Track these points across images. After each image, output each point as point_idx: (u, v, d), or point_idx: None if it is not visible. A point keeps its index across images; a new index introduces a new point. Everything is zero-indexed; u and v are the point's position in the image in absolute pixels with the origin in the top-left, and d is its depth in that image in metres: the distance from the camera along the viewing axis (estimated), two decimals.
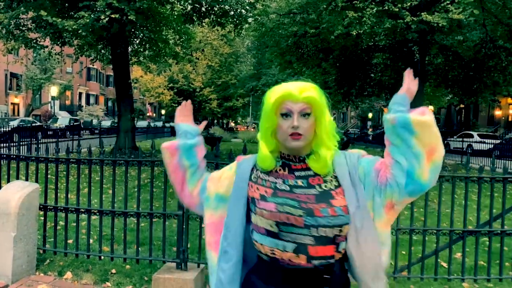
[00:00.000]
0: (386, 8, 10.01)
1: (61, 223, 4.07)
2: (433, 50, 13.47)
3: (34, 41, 12.23)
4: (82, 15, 9.02)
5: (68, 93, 42.54)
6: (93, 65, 36.86)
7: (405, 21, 9.84)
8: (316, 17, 11.75)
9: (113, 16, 8.99)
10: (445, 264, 3.79)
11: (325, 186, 1.24)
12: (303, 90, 1.22)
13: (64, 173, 4.19)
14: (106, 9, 9.03)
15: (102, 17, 9.02)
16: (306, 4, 12.23)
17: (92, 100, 49.38)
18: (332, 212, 1.18)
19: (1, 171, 4.03)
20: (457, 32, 12.43)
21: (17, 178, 3.98)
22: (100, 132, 22.20)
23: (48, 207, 3.82)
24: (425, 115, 1.15)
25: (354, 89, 17.30)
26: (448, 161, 17.22)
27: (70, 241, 3.90)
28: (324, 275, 1.20)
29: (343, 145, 13.62)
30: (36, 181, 3.84)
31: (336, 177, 1.25)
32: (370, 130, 45.48)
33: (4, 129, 17.67)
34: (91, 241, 3.82)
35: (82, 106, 46.18)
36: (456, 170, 12.85)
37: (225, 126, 50.24)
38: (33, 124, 23.71)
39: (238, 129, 47.20)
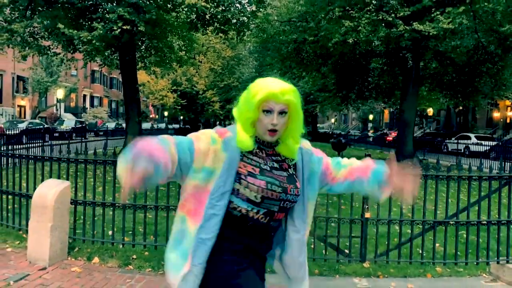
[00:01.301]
0: (381, 17, 10.58)
1: (88, 215, 4.66)
2: (427, 56, 14.00)
3: (47, 48, 12.89)
4: (96, 26, 9.66)
5: (73, 95, 43.20)
6: (97, 68, 37.57)
7: (398, 30, 10.42)
8: (315, 25, 12.34)
9: (124, 27, 9.65)
10: (420, 251, 4.37)
11: (290, 171, 1.59)
12: (284, 93, 1.45)
13: (86, 171, 4.79)
14: (117, 21, 9.67)
15: (115, 28, 9.67)
16: (305, 13, 12.81)
17: (96, 102, 50.04)
18: (296, 192, 1.56)
19: (35, 169, 4.63)
20: (451, 39, 12.98)
21: (50, 176, 4.58)
22: (106, 134, 22.81)
23: (78, 201, 4.41)
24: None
25: (353, 92, 17.88)
26: (444, 163, 17.73)
27: (95, 232, 4.50)
28: (271, 231, 1.59)
29: (339, 148, 14.18)
30: (67, 179, 4.44)
31: (295, 165, 1.61)
32: (371, 132, 46.01)
33: (14, 131, 18.33)
34: (114, 230, 4.41)
35: (87, 108, 46.85)
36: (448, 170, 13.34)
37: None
38: (40, 126, 24.34)
39: None
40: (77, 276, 3.83)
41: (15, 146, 6.80)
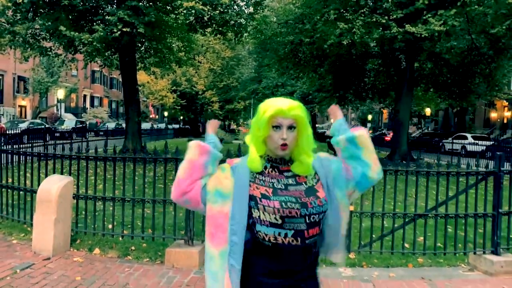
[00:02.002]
0: (374, 20, 10.84)
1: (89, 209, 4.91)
2: (422, 57, 14.26)
3: (49, 49, 13.16)
4: (97, 29, 9.93)
5: (73, 95, 43.44)
6: (97, 68, 37.78)
7: (391, 32, 10.68)
8: (311, 27, 12.60)
9: (124, 29, 9.92)
10: (403, 243, 4.62)
11: (309, 183, 1.58)
12: (292, 109, 1.51)
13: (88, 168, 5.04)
14: (118, 23, 9.93)
15: (115, 30, 9.94)
16: (302, 15, 13.08)
17: (96, 102, 50.25)
18: (319, 203, 1.53)
19: (40, 166, 4.90)
20: (445, 40, 13.23)
21: (54, 172, 4.84)
22: (106, 134, 23.05)
23: (80, 196, 4.67)
24: (360, 130, 1.62)
25: (350, 93, 18.13)
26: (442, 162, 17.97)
27: (96, 225, 4.75)
28: (312, 249, 1.56)
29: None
30: (69, 175, 4.70)
31: (315, 175, 1.60)
32: (370, 132, 46.28)
33: (15, 131, 18.58)
34: (114, 223, 4.67)
35: (87, 108, 47.07)
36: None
37: (226, 128, 51.06)
38: (42, 126, 24.58)
39: (243, 131, 47.98)
40: (79, 265, 4.09)
41: (15, 146, 7.04)
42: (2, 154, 5.31)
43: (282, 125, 1.51)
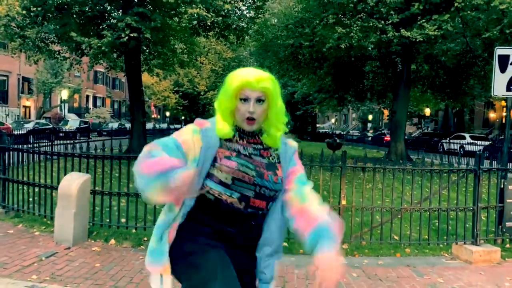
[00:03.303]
0: (371, 24, 11.27)
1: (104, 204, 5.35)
2: (418, 59, 14.68)
3: (57, 52, 13.64)
4: (106, 34, 10.41)
5: (76, 96, 43.93)
6: (101, 69, 38.21)
7: (388, 36, 11.11)
8: (310, 31, 13.04)
9: (131, 35, 10.38)
10: (392, 235, 5.06)
11: (272, 159, 1.57)
12: (260, 81, 1.45)
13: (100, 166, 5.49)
14: (125, 29, 10.39)
15: (123, 35, 10.40)
16: (301, 19, 13.52)
17: (99, 102, 50.76)
18: (275, 179, 1.53)
19: (52, 164, 5.34)
20: (441, 43, 13.64)
21: (72, 170, 5.27)
22: (110, 134, 23.54)
23: (96, 191, 5.11)
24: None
25: (349, 94, 18.56)
26: (436, 161, 18.39)
27: (111, 218, 5.19)
28: (254, 220, 1.54)
29: (334, 147, 14.88)
30: (87, 172, 5.14)
31: (279, 156, 1.59)
32: (371, 132, 46.66)
33: (20, 132, 19.05)
34: (128, 217, 5.10)
35: (90, 109, 47.58)
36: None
37: None
38: (49, 126, 25.07)
39: None
40: (97, 254, 4.53)
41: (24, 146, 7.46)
42: (21, 154, 5.75)
43: (249, 98, 1.47)
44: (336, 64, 16.52)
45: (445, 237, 4.89)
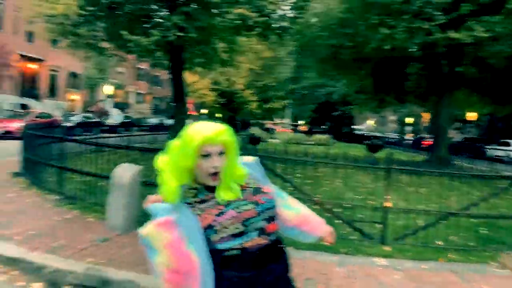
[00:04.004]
0: (417, 25, 10.99)
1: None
2: (465, 61, 14.14)
3: (106, 50, 14.31)
4: (153, 33, 10.84)
5: (119, 91, 45.59)
6: (144, 66, 39.36)
7: (434, 37, 10.78)
8: (353, 32, 12.88)
9: (178, 34, 10.73)
10: (436, 240, 4.99)
11: (251, 186, 1.56)
12: (219, 134, 1.44)
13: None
14: (172, 28, 10.75)
15: (169, 34, 10.78)
16: (343, 19, 13.38)
17: (140, 98, 52.40)
18: (269, 196, 1.55)
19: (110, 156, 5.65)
20: (491, 45, 13.06)
21: (119, 161, 5.57)
22: (151, 129, 24.38)
23: (146, 182, 5.37)
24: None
25: (390, 96, 18.17)
26: (480, 168, 17.66)
27: None
28: (278, 245, 1.54)
29: (374, 149, 14.66)
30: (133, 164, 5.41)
31: (252, 181, 1.57)
32: (411, 135, 45.38)
33: (68, 124, 20.09)
34: None
35: (131, 104, 49.21)
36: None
37: (262, 126, 51.73)
38: (92, 120, 26.26)
39: (277, 130, 48.57)
40: None
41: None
42: (74, 144, 6.13)
43: (211, 153, 1.45)
44: (377, 65, 16.22)
45: (491, 245, 4.76)
